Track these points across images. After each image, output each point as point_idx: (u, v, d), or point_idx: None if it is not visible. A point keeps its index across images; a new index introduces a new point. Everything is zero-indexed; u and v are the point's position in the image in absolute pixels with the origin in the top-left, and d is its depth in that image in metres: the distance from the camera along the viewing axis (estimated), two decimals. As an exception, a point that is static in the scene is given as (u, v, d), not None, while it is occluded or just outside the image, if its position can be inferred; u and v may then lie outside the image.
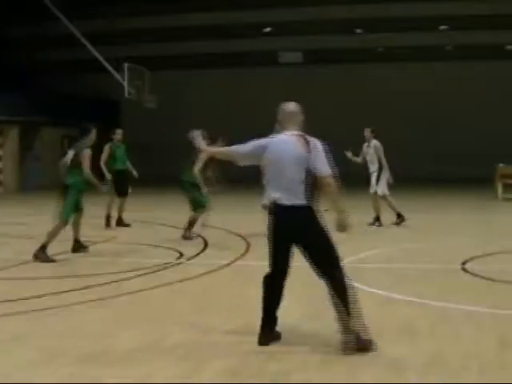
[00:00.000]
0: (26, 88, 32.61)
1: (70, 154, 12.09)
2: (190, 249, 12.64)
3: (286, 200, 6.37)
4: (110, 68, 26.30)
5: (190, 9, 35.12)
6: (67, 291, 9.16)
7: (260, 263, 11.57)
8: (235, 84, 37.78)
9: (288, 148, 6.42)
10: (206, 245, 13.33)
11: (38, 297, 8.83)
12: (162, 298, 9.02)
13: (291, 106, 6.67)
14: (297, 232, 6.41)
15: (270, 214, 6.51)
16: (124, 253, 12.66)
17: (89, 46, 25.91)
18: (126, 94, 26.08)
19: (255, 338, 6.64)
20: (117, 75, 25.84)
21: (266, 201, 6.82)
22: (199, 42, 36.44)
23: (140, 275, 10.33)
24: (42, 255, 11.46)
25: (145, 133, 35.49)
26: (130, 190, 16.54)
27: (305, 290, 8.55)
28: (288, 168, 6.38)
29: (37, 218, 17.52)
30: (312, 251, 6.44)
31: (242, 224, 16.15)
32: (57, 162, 12.79)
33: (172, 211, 19.10)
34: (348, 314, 6.27)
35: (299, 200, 6.35)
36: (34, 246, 11.66)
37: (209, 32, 35.82)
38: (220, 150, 7.94)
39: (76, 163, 11.85)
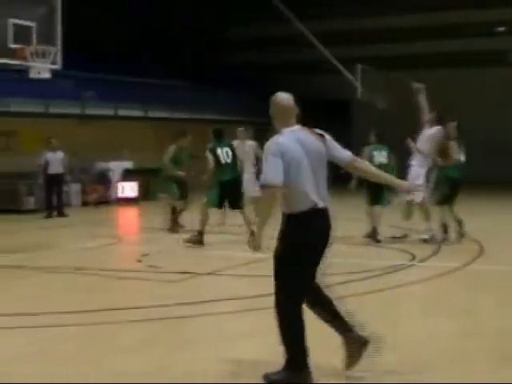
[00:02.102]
0: (253, 89, 33.53)
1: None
2: (422, 251, 12.30)
3: (322, 202, 5.51)
4: (342, 68, 26.40)
5: (416, 9, 34.86)
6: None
7: (494, 267, 11.23)
8: (463, 84, 36.70)
9: (308, 143, 5.50)
10: (439, 246, 12.95)
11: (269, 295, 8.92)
12: (389, 299, 8.91)
13: (291, 98, 5.68)
14: (328, 238, 5.65)
15: (302, 221, 5.45)
16: (354, 254, 12.48)
17: (320, 46, 26.17)
18: (359, 95, 26.06)
19: (483, 343, 6.39)
20: (350, 76, 25.92)
21: (293, 208, 5.44)
22: (425, 42, 35.95)
23: (374, 276, 10.19)
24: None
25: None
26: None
27: None
28: (316, 166, 5.51)
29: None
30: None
31: (476, 226, 15.44)
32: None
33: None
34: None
35: (327, 200, 5.56)
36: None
37: (433, 32, 35.33)
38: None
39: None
